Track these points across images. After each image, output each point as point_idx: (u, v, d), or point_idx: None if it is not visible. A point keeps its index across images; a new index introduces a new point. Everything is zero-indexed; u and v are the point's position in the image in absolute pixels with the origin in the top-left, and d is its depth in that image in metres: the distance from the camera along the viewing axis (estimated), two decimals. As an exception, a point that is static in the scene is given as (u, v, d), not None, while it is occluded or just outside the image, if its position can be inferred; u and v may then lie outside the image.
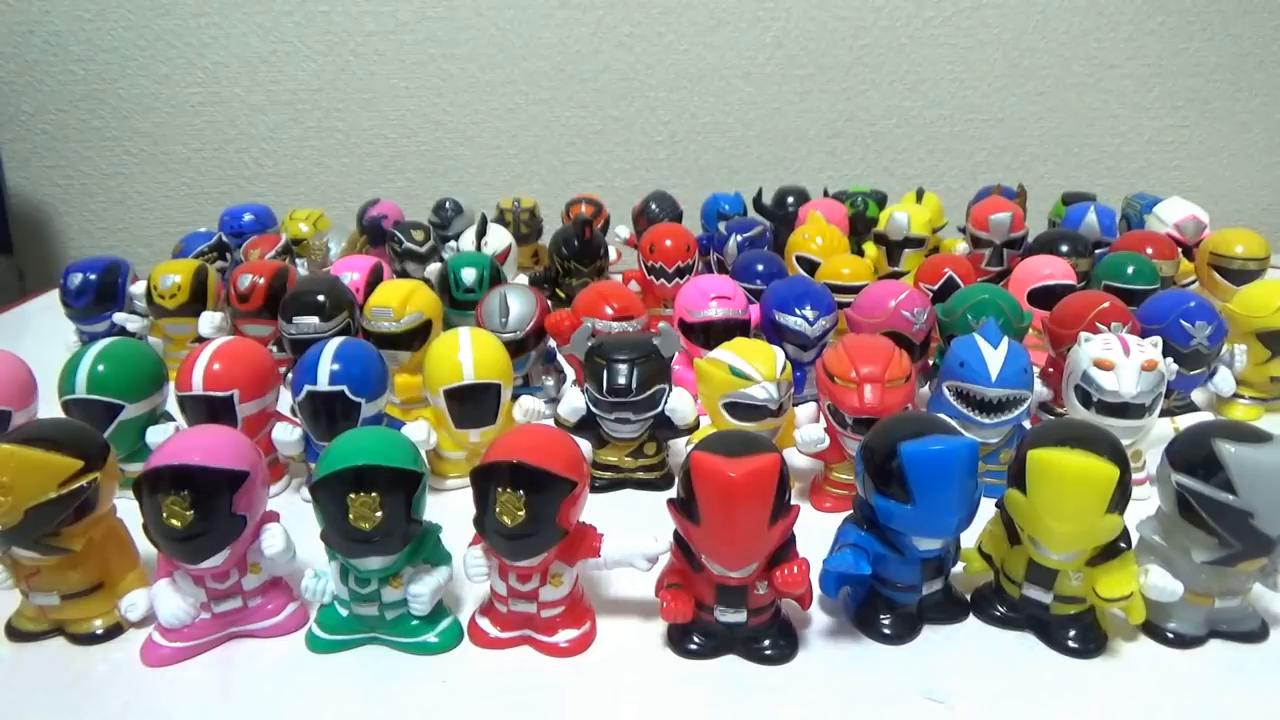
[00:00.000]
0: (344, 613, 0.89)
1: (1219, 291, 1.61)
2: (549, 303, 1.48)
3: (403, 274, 1.80)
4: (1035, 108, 2.69)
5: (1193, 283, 1.73)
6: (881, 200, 2.01)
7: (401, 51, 2.54)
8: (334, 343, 1.13)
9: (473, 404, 1.18)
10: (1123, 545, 0.85)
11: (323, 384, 1.09)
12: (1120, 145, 2.75)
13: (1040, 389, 1.22)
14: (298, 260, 1.91)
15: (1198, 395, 1.44)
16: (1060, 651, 0.88)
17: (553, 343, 1.45)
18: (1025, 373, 1.11)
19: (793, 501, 0.83)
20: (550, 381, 1.47)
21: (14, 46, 2.47)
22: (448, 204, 2.08)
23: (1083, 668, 0.87)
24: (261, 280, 1.50)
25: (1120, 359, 1.06)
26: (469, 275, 1.54)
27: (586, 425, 1.18)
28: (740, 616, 0.86)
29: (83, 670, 0.88)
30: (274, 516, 0.92)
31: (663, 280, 1.65)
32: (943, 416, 0.95)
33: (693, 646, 0.88)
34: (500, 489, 0.80)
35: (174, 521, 0.80)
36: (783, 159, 2.70)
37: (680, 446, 1.25)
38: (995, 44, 2.61)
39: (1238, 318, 1.37)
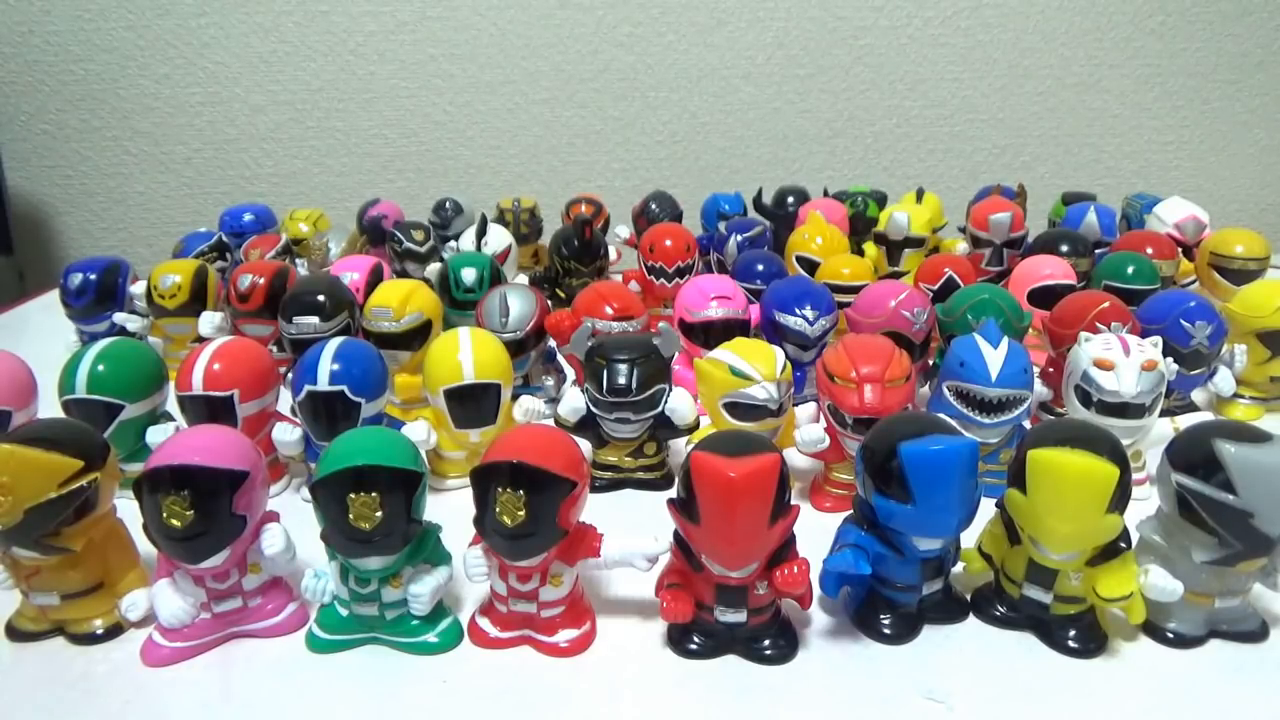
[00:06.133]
0: (344, 613, 0.89)
1: (1219, 291, 1.61)
2: (549, 303, 1.48)
3: (403, 274, 1.80)
4: (1035, 108, 2.69)
5: (1193, 283, 1.73)
6: (881, 200, 2.00)
7: (401, 51, 2.54)
8: (334, 343, 1.13)
9: (473, 404, 1.18)
10: (1123, 545, 0.85)
11: (323, 384, 1.09)
12: (1120, 145, 2.75)
13: (1040, 389, 1.22)
14: (298, 260, 1.91)
15: (1198, 395, 1.44)
16: (1060, 651, 0.88)
17: (553, 343, 1.45)
18: (1025, 373, 1.11)
19: (793, 501, 0.83)
20: (550, 381, 1.46)
21: (14, 46, 2.47)
22: (448, 204, 2.08)
23: (1083, 668, 0.87)
24: (261, 280, 1.50)
25: (1120, 359, 1.06)
26: (469, 275, 1.54)
27: (586, 425, 1.18)
28: (740, 616, 0.86)
29: (83, 670, 0.88)
30: (274, 516, 0.92)
31: (663, 280, 1.65)
32: (943, 416, 0.95)
33: (693, 646, 0.88)
34: (500, 489, 0.80)
35: (174, 521, 0.80)
36: (783, 159, 2.70)
37: (680, 446, 1.25)
38: (995, 44, 2.61)
39: (1238, 318, 1.37)
